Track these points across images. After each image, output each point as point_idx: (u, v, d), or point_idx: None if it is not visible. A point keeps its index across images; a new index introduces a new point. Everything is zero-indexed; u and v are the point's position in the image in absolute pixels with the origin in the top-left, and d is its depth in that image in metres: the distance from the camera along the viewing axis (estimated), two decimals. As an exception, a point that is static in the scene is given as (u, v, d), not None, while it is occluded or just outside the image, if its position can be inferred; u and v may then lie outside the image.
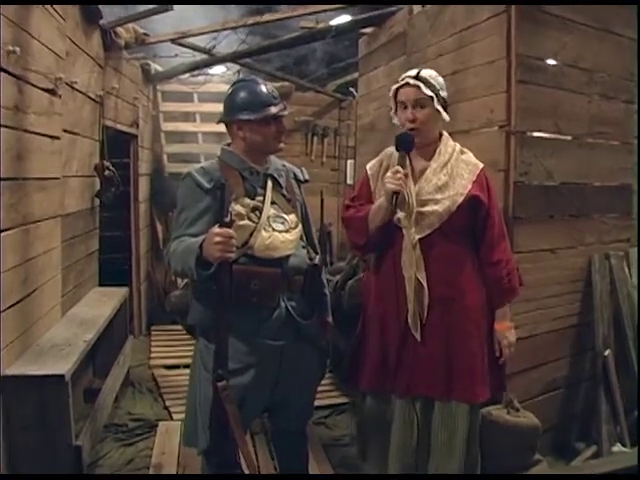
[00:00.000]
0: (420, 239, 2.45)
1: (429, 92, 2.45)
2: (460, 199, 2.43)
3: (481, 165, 2.54)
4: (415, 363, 2.50)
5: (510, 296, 2.57)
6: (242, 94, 2.38)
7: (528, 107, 3.17)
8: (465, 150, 2.59)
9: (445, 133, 2.59)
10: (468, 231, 2.51)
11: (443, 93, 2.51)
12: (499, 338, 2.54)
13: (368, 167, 2.71)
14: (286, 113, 2.43)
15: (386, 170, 2.54)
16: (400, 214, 2.48)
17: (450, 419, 2.49)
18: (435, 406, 2.52)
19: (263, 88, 2.40)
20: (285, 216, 2.37)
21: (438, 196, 2.43)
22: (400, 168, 2.42)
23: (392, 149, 2.60)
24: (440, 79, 2.54)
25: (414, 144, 2.50)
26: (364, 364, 2.64)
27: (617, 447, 3.34)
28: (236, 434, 2.09)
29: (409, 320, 2.48)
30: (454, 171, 2.48)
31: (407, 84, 2.50)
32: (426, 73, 2.51)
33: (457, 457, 2.49)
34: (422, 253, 2.45)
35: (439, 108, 2.48)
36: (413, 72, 2.52)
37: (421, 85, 2.46)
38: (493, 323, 2.55)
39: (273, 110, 2.36)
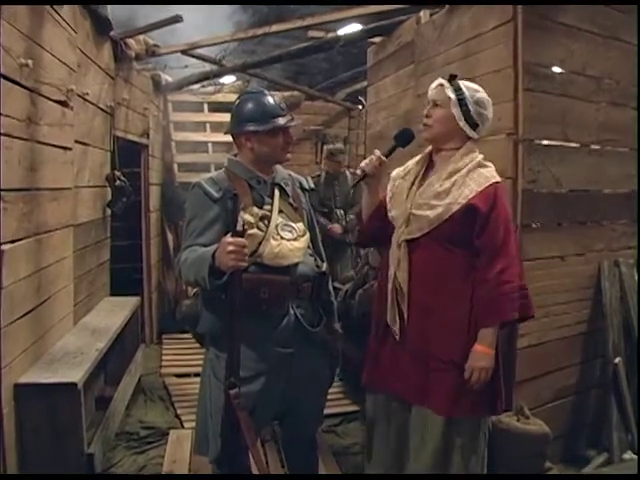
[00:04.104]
0: (410, 241, 2.45)
1: (451, 94, 2.43)
2: (455, 208, 2.37)
3: (494, 180, 2.42)
4: (394, 363, 2.52)
5: (491, 320, 2.36)
6: (250, 105, 2.40)
7: (535, 115, 3.17)
8: (488, 164, 2.48)
9: (469, 145, 2.49)
10: (463, 242, 2.41)
11: (473, 106, 2.42)
12: (470, 359, 2.36)
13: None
14: (294, 124, 2.45)
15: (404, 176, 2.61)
16: (394, 212, 2.53)
17: (422, 426, 2.46)
18: (412, 410, 2.50)
19: (270, 99, 2.42)
20: (293, 224, 2.39)
21: (434, 202, 2.41)
22: (378, 152, 2.49)
23: (417, 158, 2.63)
24: (479, 95, 2.45)
25: (409, 142, 2.56)
26: (365, 360, 2.69)
27: (628, 454, 3.32)
28: (248, 441, 2.10)
29: (388, 317, 2.52)
30: (460, 181, 2.41)
31: (439, 84, 2.50)
32: (466, 83, 2.49)
33: (423, 465, 2.43)
34: (409, 255, 2.45)
35: (455, 112, 2.42)
36: (450, 75, 2.52)
37: (447, 86, 2.45)
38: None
39: (281, 121, 2.38)
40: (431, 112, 2.50)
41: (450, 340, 2.40)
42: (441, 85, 2.49)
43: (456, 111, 2.43)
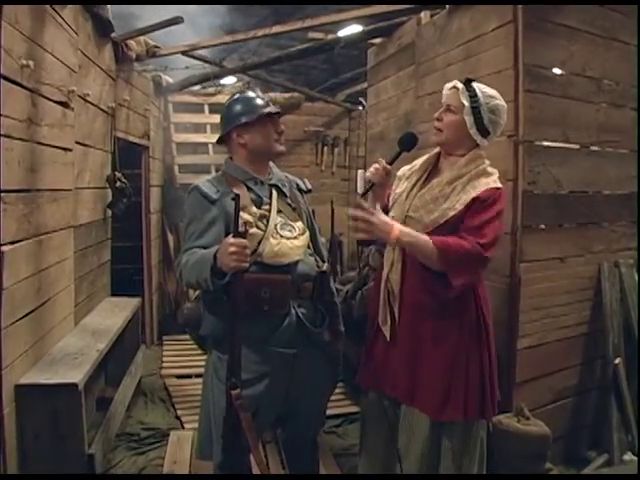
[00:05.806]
0: None
1: (465, 101, 2.39)
2: (451, 213, 2.35)
3: (492, 186, 2.38)
4: (386, 362, 2.53)
5: (440, 262, 2.28)
6: (235, 105, 2.46)
7: (536, 116, 3.17)
8: (492, 172, 2.45)
9: (477, 152, 2.45)
10: None
11: (486, 114, 2.39)
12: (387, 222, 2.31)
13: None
14: (278, 110, 2.47)
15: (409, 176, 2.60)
16: (393, 212, 2.52)
17: (410, 426, 2.46)
18: (402, 409, 2.51)
19: (253, 95, 2.48)
20: (292, 223, 2.41)
21: (431, 206, 2.39)
22: (384, 161, 2.46)
23: (424, 158, 2.62)
24: (494, 102, 2.42)
25: (413, 146, 2.53)
26: (360, 359, 2.71)
27: (628, 455, 3.32)
28: (250, 442, 2.10)
29: (379, 318, 2.53)
30: (460, 188, 2.38)
31: (454, 87, 2.47)
32: (483, 87, 2.44)
33: (412, 464, 2.44)
34: (403, 257, 2.45)
35: (467, 119, 2.38)
36: (466, 79, 2.48)
37: (462, 91, 2.41)
38: (473, 346, 2.40)
39: (267, 110, 2.41)
40: (443, 116, 2.47)
41: (440, 342, 2.40)
42: (456, 88, 2.45)
43: (468, 119, 2.40)
